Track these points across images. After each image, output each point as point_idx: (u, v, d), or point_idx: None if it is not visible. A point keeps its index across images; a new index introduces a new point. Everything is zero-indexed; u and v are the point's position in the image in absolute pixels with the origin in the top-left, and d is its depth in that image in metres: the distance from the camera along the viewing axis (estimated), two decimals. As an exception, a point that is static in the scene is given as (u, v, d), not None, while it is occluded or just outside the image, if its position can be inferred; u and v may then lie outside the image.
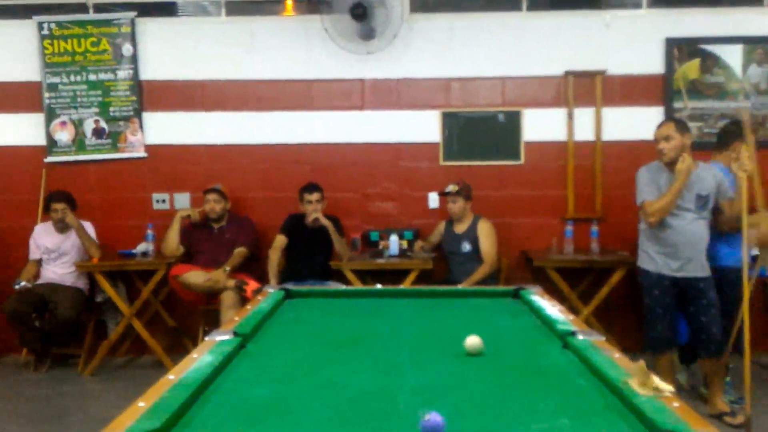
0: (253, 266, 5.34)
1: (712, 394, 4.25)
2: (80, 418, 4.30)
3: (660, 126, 4.20)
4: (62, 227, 5.33)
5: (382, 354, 2.43)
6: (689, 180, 4.06)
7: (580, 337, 2.38)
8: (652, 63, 5.44)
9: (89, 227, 5.37)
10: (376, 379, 2.12)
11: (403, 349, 2.49)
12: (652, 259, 4.20)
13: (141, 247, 5.31)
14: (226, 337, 2.41)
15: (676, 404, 1.71)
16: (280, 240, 5.22)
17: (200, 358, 2.15)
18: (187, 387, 1.88)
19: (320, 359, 2.37)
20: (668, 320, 4.19)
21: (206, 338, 2.41)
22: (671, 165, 4.07)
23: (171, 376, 1.96)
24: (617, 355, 2.17)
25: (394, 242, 5.22)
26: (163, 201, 5.62)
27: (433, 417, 1.60)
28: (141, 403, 1.73)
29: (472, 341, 2.34)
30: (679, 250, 4.09)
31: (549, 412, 1.81)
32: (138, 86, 5.57)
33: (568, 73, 5.46)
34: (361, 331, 2.77)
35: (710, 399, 4.25)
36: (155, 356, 5.29)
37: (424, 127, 5.57)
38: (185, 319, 5.55)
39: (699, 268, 4.12)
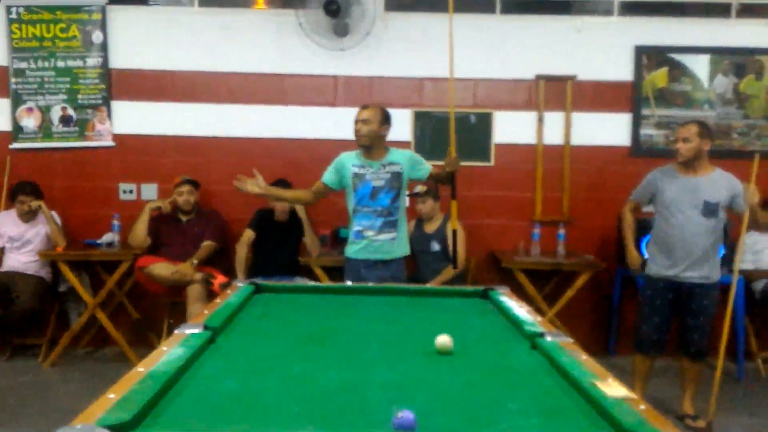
0: (221, 260, 5.30)
1: (684, 395, 4.29)
2: (39, 408, 4.24)
3: (683, 125, 4.16)
4: (28, 217, 5.24)
5: (352, 350, 2.44)
6: (696, 184, 4.05)
7: (549, 338, 2.40)
8: (622, 70, 5.52)
9: (54, 216, 5.28)
10: (347, 375, 2.12)
11: (373, 346, 2.50)
12: (653, 260, 4.19)
13: (106, 238, 5.25)
14: (196, 331, 2.39)
15: (642, 407, 1.74)
16: (248, 234, 5.19)
17: (170, 351, 2.13)
18: (157, 379, 1.86)
19: (290, 354, 2.36)
20: (656, 323, 4.15)
21: (176, 331, 2.38)
22: (687, 165, 4.07)
23: (141, 369, 1.94)
24: (584, 357, 2.20)
25: (362, 239, 5.20)
26: (130, 191, 5.54)
27: (406, 414, 1.62)
28: (111, 395, 1.71)
29: (443, 340, 2.36)
30: (675, 251, 4.06)
31: (517, 411, 1.83)
32: (107, 74, 5.49)
33: (539, 77, 5.52)
34: (331, 328, 2.77)
35: (681, 399, 4.31)
36: (118, 348, 5.24)
37: (396, 125, 5.53)
38: (150, 311, 5.48)
39: (697, 275, 4.05)
